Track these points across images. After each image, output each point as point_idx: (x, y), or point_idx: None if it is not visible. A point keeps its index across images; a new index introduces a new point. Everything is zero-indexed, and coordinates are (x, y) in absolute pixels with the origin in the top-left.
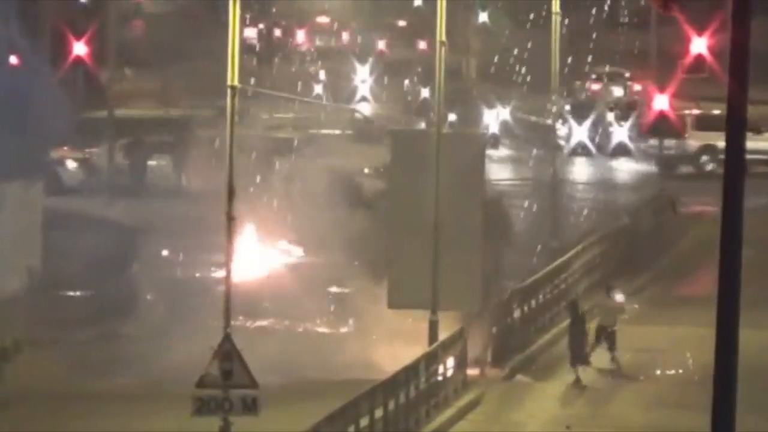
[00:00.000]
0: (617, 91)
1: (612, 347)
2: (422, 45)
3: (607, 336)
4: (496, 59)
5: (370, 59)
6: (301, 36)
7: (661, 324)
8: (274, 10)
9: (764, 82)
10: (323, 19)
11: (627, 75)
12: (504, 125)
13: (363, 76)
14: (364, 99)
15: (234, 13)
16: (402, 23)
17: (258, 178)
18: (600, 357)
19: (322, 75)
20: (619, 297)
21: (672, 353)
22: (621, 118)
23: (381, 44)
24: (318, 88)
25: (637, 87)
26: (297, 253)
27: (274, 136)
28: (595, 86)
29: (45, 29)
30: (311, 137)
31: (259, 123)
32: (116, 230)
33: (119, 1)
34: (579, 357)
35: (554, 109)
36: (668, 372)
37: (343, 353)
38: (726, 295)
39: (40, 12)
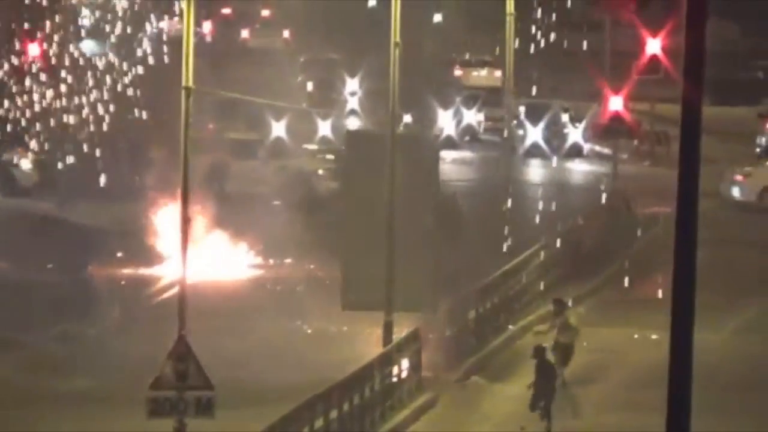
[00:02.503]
0: (479, 76)
1: (566, 362)
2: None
3: (563, 351)
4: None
5: (360, 72)
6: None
7: (614, 326)
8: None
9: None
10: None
11: (489, 60)
12: (468, 128)
13: (353, 88)
14: (353, 112)
15: (188, 16)
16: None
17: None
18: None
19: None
20: (572, 318)
21: (623, 354)
22: (576, 118)
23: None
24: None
25: (497, 73)
26: (249, 253)
27: (230, 137)
28: (458, 72)
29: None
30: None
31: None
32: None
33: None
34: (540, 407)
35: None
36: (619, 373)
37: (297, 354)
38: (681, 296)
39: None
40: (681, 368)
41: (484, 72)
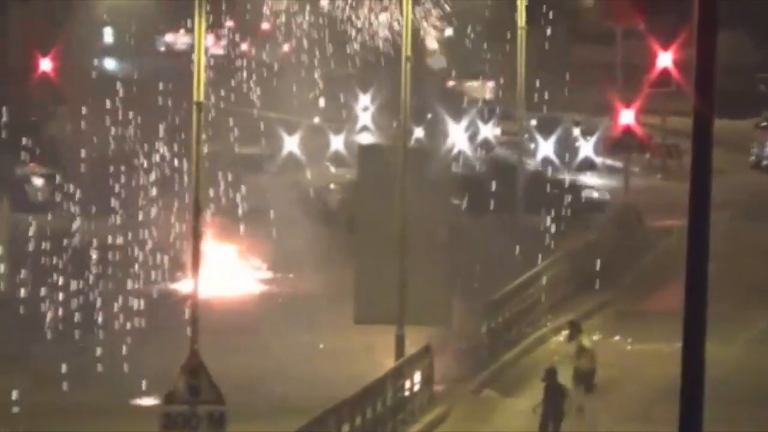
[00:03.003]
0: (472, 87)
1: (590, 389)
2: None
3: (585, 378)
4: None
5: (372, 87)
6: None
7: (626, 338)
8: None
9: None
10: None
11: (481, 71)
12: (484, 141)
13: (365, 104)
14: (365, 129)
15: (199, 33)
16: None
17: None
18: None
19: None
20: (586, 340)
21: (637, 367)
22: (587, 132)
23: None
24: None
25: (490, 84)
26: (263, 266)
27: (243, 152)
28: (451, 82)
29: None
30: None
31: None
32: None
33: None
34: (549, 430)
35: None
36: (633, 386)
37: (309, 369)
38: (693, 308)
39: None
40: (693, 381)
41: (476, 83)
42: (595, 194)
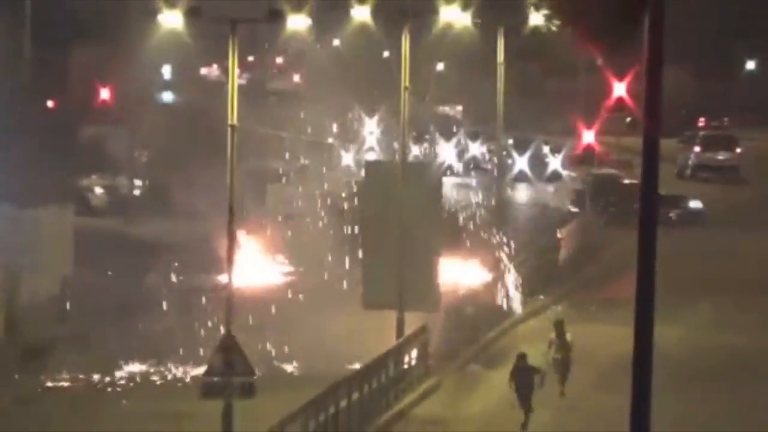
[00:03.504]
0: (443, 109)
1: (565, 376)
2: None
3: (562, 366)
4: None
5: (377, 114)
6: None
7: (587, 322)
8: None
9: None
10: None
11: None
12: (472, 158)
13: (371, 128)
14: (371, 149)
15: (232, 62)
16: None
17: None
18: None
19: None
20: (568, 335)
21: (598, 347)
22: (555, 149)
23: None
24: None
25: (458, 107)
26: (284, 261)
27: (271, 166)
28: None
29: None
30: (298, 166)
31: None
32: (137, 244)
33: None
34: (525, 406)
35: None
36: (595, 362)
37: (325, 346)
38: (643, 296)
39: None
40: (643, 358)
41: (447, 107)
42: (693, 204)
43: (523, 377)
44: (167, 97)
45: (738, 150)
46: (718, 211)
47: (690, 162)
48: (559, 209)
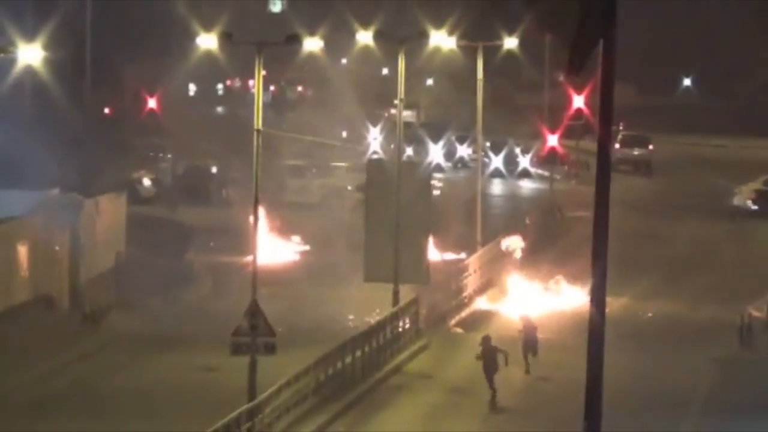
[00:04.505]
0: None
1: (534, 353)
2: None
3: (531, 347)
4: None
5: (381, 122)
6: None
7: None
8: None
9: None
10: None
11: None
12: (460, 158)
13: (375, 135)
14: (375, 153)
15: (258, 73)
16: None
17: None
18: None
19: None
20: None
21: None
22: (525, 150)
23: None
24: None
25: (411, 111)
26: (300, 242)
27: (290, 163)
28: (393, 111)
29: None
30: (315, 164)
31: None
32: (179, 228)
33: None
34: (491, 381)
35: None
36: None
37: (333, 311)
38: (597, 273)
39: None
40: (597, 322)
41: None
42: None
43: (489, 358)
44: (219, 109)
45: (650, 147)
46: (632, 198)
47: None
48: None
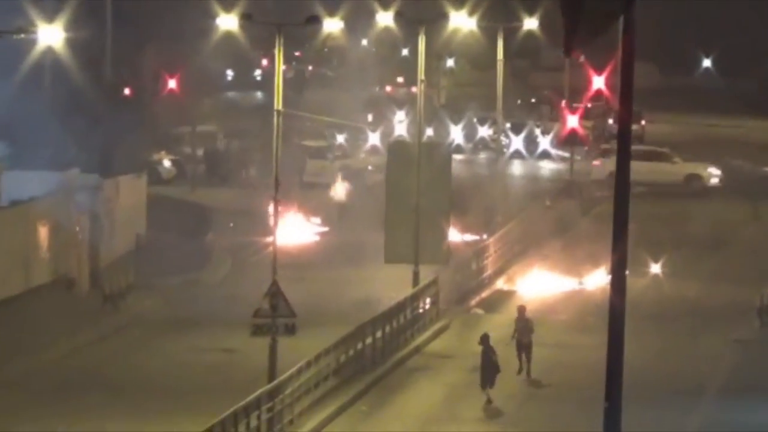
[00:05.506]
0: (406, 92)
1: (528, 357)
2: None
3: (525, 349)
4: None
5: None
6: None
7: (573, 275)
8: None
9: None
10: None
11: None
12: (481, 139)
13: (400, 118)
14: (401, 137)
15: (279, 55)
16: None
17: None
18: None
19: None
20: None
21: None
22: (545, 132)
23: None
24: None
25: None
26: (319, 223)
27: (308, 144)
28: (389, 88)
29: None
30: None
31: None
32: (199, 209)
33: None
34: (488, 381)
35: (495, 127)
36: (576, 306)
37: (355, 292)
38: (618, 252)
39: (145, 57)
40: (618, 303)
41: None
42: None
43: (488, 358)
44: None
45: (642, 122)
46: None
47: (606, 132)
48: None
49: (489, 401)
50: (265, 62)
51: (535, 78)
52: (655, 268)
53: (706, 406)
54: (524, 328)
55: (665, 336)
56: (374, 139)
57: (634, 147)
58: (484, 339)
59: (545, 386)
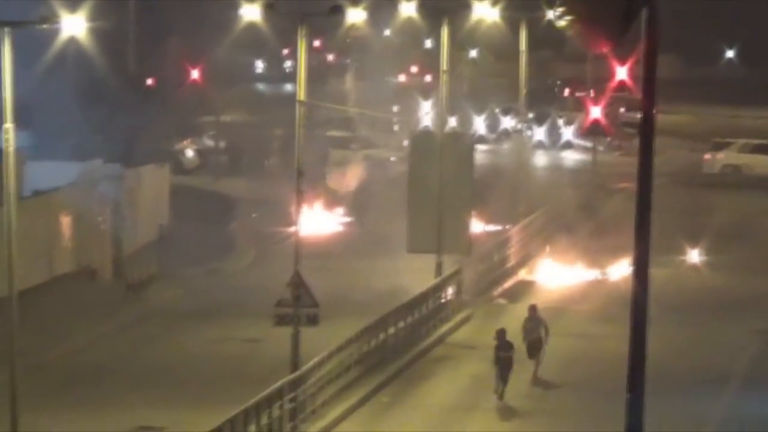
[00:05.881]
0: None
1: (537, 357)
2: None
3: (535, 347)
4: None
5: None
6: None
7: (592, 265)
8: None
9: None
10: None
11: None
12: (504, 130)
13: (426, 109)
14: (426, 127)
15: (301, 44)
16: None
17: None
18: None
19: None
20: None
21: (601, 283)
22: (567, 122)
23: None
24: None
25: (428, 77)
26: (343, 213)
27: (331, 134)
28: (402, 77)
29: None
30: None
31: None
32: (222, 198)
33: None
34: (501, 378)
35: (517, 117)
36: (599, 297)
37: (377, 282)
38: (640, 242)
39: (168, 48)
40: (641, 293)
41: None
42: None
43: (504, 352)
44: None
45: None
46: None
47: (617, 120)
48: None
49: (500, 397)
50: (285, 52)
51: (559, 68)
52: (681, 258)
53: (729, 397)
54: (534, 327)
55: (688, 326)
56: (398, 129)
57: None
58: (500, 334)
59: (563, 378)
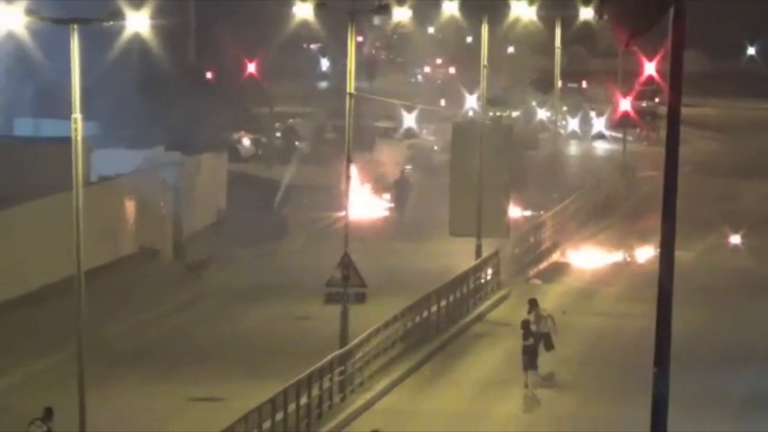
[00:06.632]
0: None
1: (548, 347)
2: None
3: (544, 340)
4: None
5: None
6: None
7: (622, 248)
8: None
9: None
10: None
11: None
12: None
13: (471, 103)
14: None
15: (351, 40)
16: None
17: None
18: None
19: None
20: (542, 311)
21: (629, 265)
22: (599, 114)
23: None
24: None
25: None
26: (389, 199)
27: (378, 125)
28: (427, 68)
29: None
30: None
31: None
32: (275, 185)
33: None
34: (530, 366)
35: (550, 110)
36: (627, 278)
37: (422, 263)
38: (666, 228)
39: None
40: (666, 276)
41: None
42: None
43: (523, 341)
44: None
45: (656, 99)
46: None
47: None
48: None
49: (526, 385)
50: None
51: (591, 63)
52: (704, 242)
53: (753, 373)
54: (537, 321)
55: (713, 308)
56: (445, 120)
57: None
58: (525, 323)
59: (593, 356)
